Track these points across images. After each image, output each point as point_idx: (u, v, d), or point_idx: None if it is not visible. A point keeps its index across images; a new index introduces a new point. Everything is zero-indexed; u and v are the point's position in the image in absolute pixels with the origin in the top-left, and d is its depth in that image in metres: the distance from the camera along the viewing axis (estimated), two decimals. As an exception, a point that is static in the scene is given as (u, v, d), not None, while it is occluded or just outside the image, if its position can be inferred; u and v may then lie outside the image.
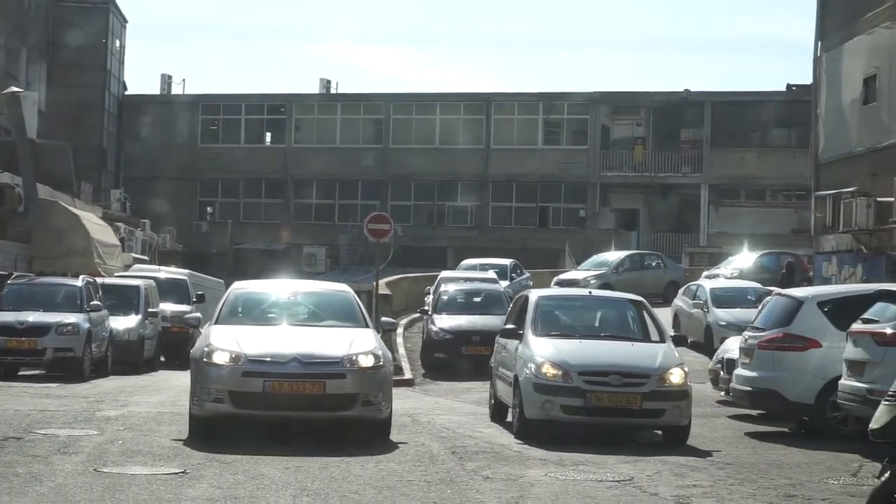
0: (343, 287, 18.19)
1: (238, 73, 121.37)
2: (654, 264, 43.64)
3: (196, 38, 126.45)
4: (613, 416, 15.18)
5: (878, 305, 15.25)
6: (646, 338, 16.50)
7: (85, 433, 14.73)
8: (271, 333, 15.46)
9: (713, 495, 11.32)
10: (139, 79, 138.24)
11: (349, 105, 65.17)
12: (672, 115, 61.65)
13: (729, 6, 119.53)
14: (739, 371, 17.40)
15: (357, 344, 14.91)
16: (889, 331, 14.54)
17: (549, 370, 15.17)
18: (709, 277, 39.23)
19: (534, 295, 17.25)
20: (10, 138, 35.17)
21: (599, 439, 15.07)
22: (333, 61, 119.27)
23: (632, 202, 62.39)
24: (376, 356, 14.73)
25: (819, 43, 34.63)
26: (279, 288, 17.82)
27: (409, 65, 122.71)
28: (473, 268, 38.40)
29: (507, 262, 40.42)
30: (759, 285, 31.73)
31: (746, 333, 17.70)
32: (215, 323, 15.75)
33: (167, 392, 21.15)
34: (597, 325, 17.10)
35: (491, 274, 34.17)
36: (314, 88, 66.80)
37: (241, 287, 17.11)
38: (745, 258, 43.12)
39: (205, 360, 14.54)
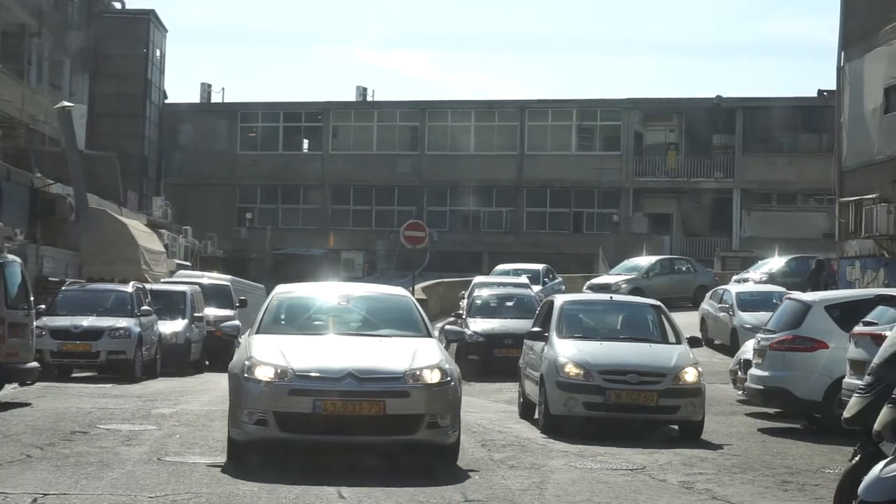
0: (400, 291, 16.40)
1: (273, 79, 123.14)
2: (684, 269, 44.91)
3: (233, 45, 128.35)
4: (631, 412, 16.47)
5: (879, 309, 16.45)
6: (663, 340, 17.77)
7: (144, 428, 16.11)
8: (321, 344, 13.72)
9: (715, 481, 12.59)
10: (179, 87, 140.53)
11: (385, 112, 66.73)
12: (704, 121, 62.87)
13: (759, 12, 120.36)
14: (753, 371, 18.63)
15: (421, 356, 13.12)
16: (886, 332, 15.76)
17: (571, 369, 16.46)
18: (738, 281, 40.41)
19: (559, 300, 18.58)
20: (59, 149, 36.69)
21: (619, 434, 16.33)
22: (365, 66, 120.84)
23: (665, 207, 63.62)
24: (443, 370, 12.92)
25: (842, 53, 35.80)
26: (328, 292, 15.86)
27: (439, 67, 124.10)
28: (507, 273, 39.74)
29: (539, 267, 41.77)
30: (783, 289, 32.82)
31: (759, 335, 18.95)
32: (257, 332, 14.05)
33: (215, 392, 22.52)
34: (617, 327, 18.38)
35: (523, 279, 35.47)
36: (350, 96, 68.46)
37: (285, 291, 15.34)
38: (774, 262, 44.25)
39: (245, 375, 12.83)
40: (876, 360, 10.04)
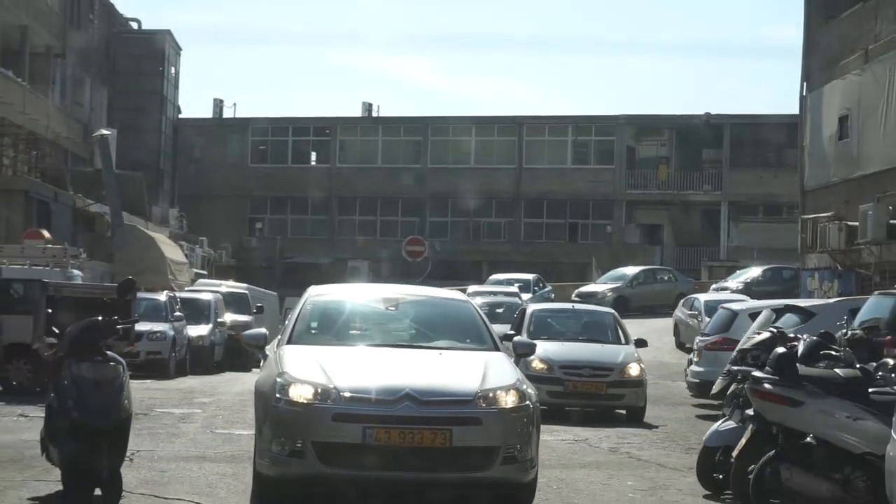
0: (459, 295, 14.44)
1: (281, 90, 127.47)
2: (665, 278, 49.16)
3: (242, 58, 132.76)
4: (586, 399, 20.72)
5: (787, 316, 20.66)
6: (615, 341, 22.02)
7: (192, 411, 20.33)
8: (369, 358, 11.62)
9: (637, 447, 16.82)
10: (192, 102, 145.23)
11: (390, 127, 70.97)
12: (694, 136, 66.81)
13: (750, 23, 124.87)
14: (692, 367, 22.89)
15: (492, 375, 11.15)
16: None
17: (537, 364, 20.62)
18: (717, 290, 44.53)
19: (530, 308, 22.88)
20: (90, 169, 40.92)
21: (580, 418, 20.54)
22: (369, 73, 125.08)
23: (656, 218, 67.73)
24: (520, 392, 10.98)
25: (804, 84, 40.00)
26: (371, 294, 13.80)
27: (441, 72, 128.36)
28: (500, 282, 43.95)
29: (530, 276, 46.02)
30: (747, 298, 36.99)
31: (698, 338, 23.22)
32: (288, 342, 11.95)
33: (242, 385, 26.69)
34: (578, 330, 22.62)
35: (514, 288, 39.67)
36: (356, 109, 72.74)
37: (321, 293, 13.13)
38: (752, 272, 48.33)
39: (278, 395, 10.74)
40: (734, 354, 14.25)
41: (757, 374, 10.95)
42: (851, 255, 35.19)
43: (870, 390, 10.21)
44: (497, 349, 12.08)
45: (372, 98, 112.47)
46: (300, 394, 10.68)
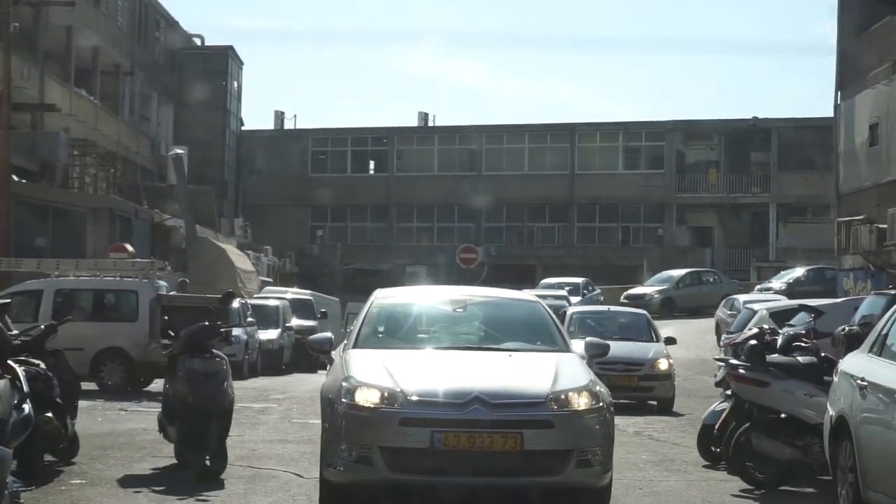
0: (528, 296, 14.46)
1: (338, 100, 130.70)
2: (711, 280, 51.63)
3: (300, 69, 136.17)
4: (619, 392, 23.25)
5: (800, 315, 23.19)
6: (648, 339, 24.65)
7: (268, 406, 23.15)
8: (436, 361, 11.53)
9: (658, 430, 19.46)
10: (252, 113, 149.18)
11: (445, 136, 73.80)
12: (742, 140, 69.12)
13: (795, 32, 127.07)
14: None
15: (564, 376, 11.06)
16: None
17: (575, 361, 23.25)
18: (761, 290, 46.95)
19: (570, 310, 25.53)
20: (163, 184, 43.96)
21: (615, 408, 23.12)
22: (423, 80, 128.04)
23: (706, 221, 70.12)
24: (593, 394, 10.95)
25: (838, 93, 42.37)
26: (438, 296, 13.67)
27: (493, 75, 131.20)
28: (551, 286, 46.58)
29: (579, 280, 48.66)
30: (784, 298, 39.45)
31: (724, 335, 25.79)
32: (354, 346, 11.95)
33: (310, 384, 29.40)
34: (614, 330, 25.22)
35: (562, 291, 42.30)
36: (412, 117, 75.57)
37: (386, 296, 13.14)
38: (795, 273, 50.66)
39: (344, 399, 10.73)
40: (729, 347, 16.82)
41: (733, 361, 13.63)
42: (882, 255, 37.54)
43: (825, 377, 12.79)
44: (568, 350, 12.05)
45: (426, 100, 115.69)
46: (366, 398, 10.59)
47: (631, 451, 16.52)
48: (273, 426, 19.34)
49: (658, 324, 41.92)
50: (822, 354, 13.51)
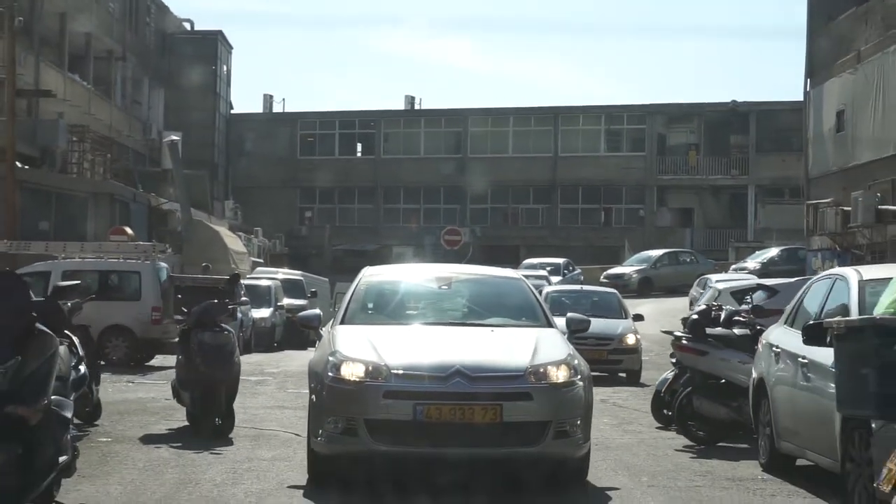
0: (511, 273, 14.99)
1: (326, 80, 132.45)
2: (687, 260, 53.65)
3: (288, 51, 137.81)
4: (591, 364, 25.18)
5: (758, 293, 25.16)
6: (617, 316, 26.61)
7: (264, 378, 25.06)
8: (421, 336, 12.00)
9: (623, 399, 21.43)
10: (241, 96, 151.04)
11: (432, 119, 75.72)
12: (721, 123, 71.16)
13: (769, 26, 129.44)
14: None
15: (543, 350, 11.48)
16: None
17: (549, 336, 25.18)
18: (736, 270, 48.93)
19: (547, 289, 27.47)
20: (157, 169, 45.80)
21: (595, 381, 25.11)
22: (409, 59, 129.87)
23: (686, 202, 72.16)
24: (571, 367, 11.41)
25: (808, 81, 44.34)
26: (424, 274, 14.23)
27: (482, 54, 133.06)
28: (533, 266, 48.53)
29: (560, 260, 50.64)
30: (754, 277, 41.44)
31: (690, 311, 27.70)
32: (341, 322, 12.36)
33: (302, 360, 30.86)
34: (587, 307, 27.14)
35: (542, 272, 44.25)
36: (399, 100, 77.46)
37: (374, 274, 13.54)
38: (770, 252, 52.67)
39: (330, 374, 11.16)
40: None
41: (677, 333, 15.61)
42: (847, 237, 39.57)
43: (755, 346, 14.75)
44: (550, 325, 12.52)
45: (413, 81, 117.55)
46: (352, 372, 10.99)
47: (594, 417, 18.43)
48: (270, 395, 21.28)
49: (636, 302, 44.33)
50: (758, 328, 15.46)
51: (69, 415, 9.42)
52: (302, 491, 11.25)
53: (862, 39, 39.44)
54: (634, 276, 49.89)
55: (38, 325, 8.78)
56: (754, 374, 13.38)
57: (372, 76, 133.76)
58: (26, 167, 36.61)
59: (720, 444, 15.12)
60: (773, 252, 52.18)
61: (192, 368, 15.40)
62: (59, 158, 41.07)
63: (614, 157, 71.95)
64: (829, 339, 9.48)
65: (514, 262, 59.45)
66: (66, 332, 11.80)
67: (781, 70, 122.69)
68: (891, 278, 9.58)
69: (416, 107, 77.44)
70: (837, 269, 12.90)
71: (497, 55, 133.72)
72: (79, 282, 17.91)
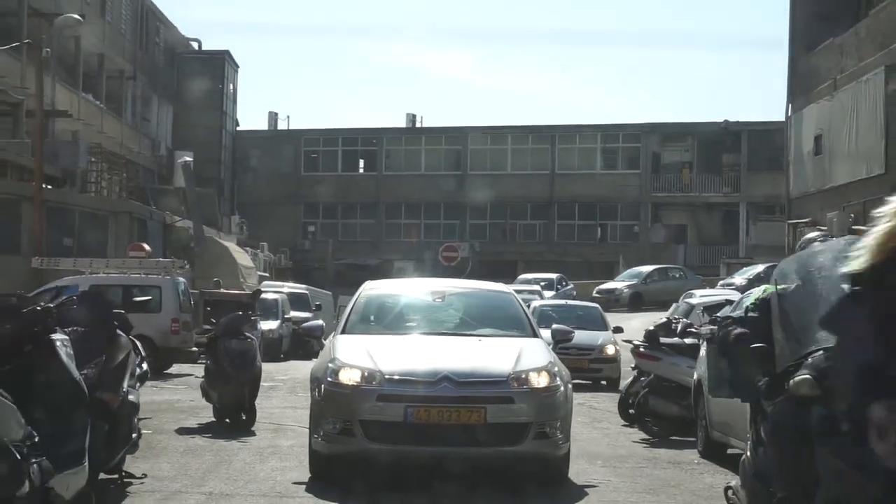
0: (502, 287, 16.23)
1: (328, 95, 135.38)
2: (676, 276, 56.33)
3: (293, 69, 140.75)
4: (573, 372, 27.86)
5: (726, 308, 27.83)
6: (599, 328, 29.30)
7: (275, 384, 27.71)
8: (413, 345, 13.13)
9: (599, 402, 24.10)
10: (247, 113, 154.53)
11: (432, 137, 78.57)
12: (714, 142, 73.93)
13: (761, 48, 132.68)
14: (661, 349, 30.17)
15: (526, 358, 12.58)
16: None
17: (536, 347, 27.85)
18: (723, 286, 51.56)
19: (535, 303, 30.17)
20: (170, 187, 48.53)
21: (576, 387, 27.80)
22: (412, 71, 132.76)
23: (680, 219, 74.95)
24: (551, 373, 12.50)
25: (789, 106, 47.11)
26: (421, 288, 15.55)
27: (481, 68, 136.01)
28: (527, 281, 51.24)
29: (554, 276, 53.39)
30: (734, 294, 44.08)
31: (666, 326, 30.39)
32: (342, 332, 13.56)
33: (307, 370, 34.01)
34: (571, 320, 29.79)
35: (535, 287, 46.96)
36: (400, 118, 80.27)
37: (373, 288, 14.79)
38: (756, 268, 55.25)
39: (329, 378, 12.31)
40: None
41: (636, 342, 18.33)
42: (823, 255, 42.24)
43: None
44: (536, 336, 13.55)
45: (415, 97, 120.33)
46: (349, 377, 12.09)
47: (570, 416, 21.14)
48: (283, 398, 23.97)
49: (627, 315, 46.97)
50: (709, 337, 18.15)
51: (137, 401, 12.15)
52: (305, 486, 12.66)
53: (838, 69, 42.15)
54: (626, 290, 52.62)
55: (118, 331, 11.51)
56: (695, 376, 16.08)
57: (375, 93, 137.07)
58: (49, 187, 39.33)
59: (672, 437, 17.78)
60: (760, 268, 54.49)
61: (219, 371, 18.11)
62: (78, 178, 43.85)
63: (610, 174, 74.73)
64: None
65: (512, 277, 62.20)
66: (130, 336, 14.52)
67: (772, 91, 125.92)
68: None
69: (418, 124, 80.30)
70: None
71: (496, 70, 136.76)
72: (150, 297, 20.54)
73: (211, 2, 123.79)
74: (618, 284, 54.63)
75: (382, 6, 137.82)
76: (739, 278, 53.36)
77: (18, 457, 8.45)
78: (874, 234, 4.96)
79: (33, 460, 8.70)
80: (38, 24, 46.26)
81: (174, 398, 23.16)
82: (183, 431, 17.59)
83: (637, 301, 52.96)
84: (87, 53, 55.65)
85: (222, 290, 28.68)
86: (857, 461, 6.97)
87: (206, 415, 19.17)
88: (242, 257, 49.17)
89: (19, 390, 8.94)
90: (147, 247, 36.88)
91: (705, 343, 16.15)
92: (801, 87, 46.14)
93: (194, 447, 15.84)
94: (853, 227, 39.91)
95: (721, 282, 53.73)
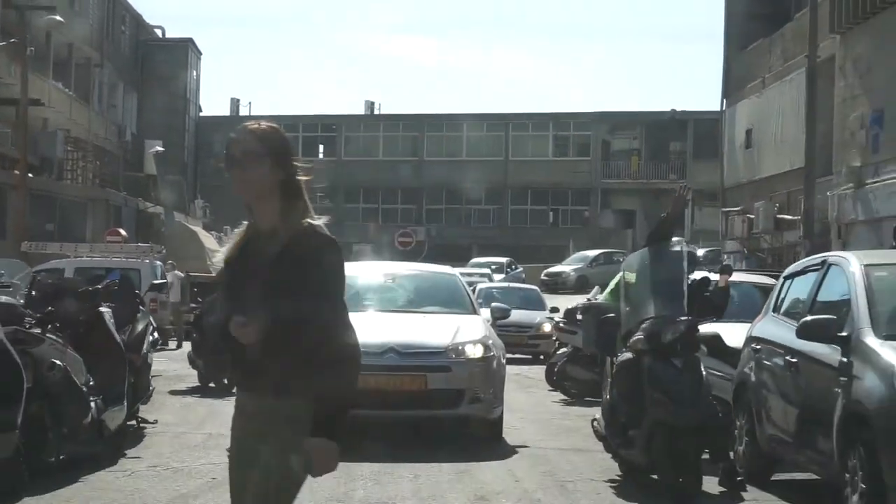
0: (447, 269, 17.96)
1: (291, 82, 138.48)
2: (621, 259, 59.70)
3: (255, 55, 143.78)
4: (514, 348, 31.53)
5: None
6: (538, 308, 32.92)
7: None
8: (365, 321, 13.85)
9: (533, 374, 27.70)
10: (210, 100, 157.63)
11: (390, 124, 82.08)
12: (661, 130, 77.77)
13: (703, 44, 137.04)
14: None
15: (464, 332, 14.19)
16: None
17: (480, 324, 31.40)
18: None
19: (480, 286, 33.79)
20: (141, 174, 51.82)
21: (513, 361, 31.45)
22: (371, 56, 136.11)
23: (629, 205, 78.71)
24: (486, 346, 14.11)
25: (724, 101, 50.89)
26: (374, 271, 17.23)
27: (441, 51, 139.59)
28: (479, 265, 54.80)
29: (504, 259, 56.99)
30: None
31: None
32: None
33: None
34: (515, 300, 33.34)
35: (486, 270, 50.54)
36: (359, 104, 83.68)
37: None
38: (697, 253, 59.06)
39: None
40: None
41: (556, 318, 21.94)
42: (752, 241, 46.09)
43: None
44: (475, 313, 15.33)
45: (374, 81, 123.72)
46: None
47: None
48: (255, 369, 27.51)
49: (573, 297, 50.32)
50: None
51: (151, 362, 15.71)
52: None
53: (766, 68, 45.91)
54: (572, 274, 56.25)
55: (140, 307, 15.08)
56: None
57: (334, 77, 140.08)
58: (31, 175, 42.61)
59: (587, 399, 21.38)
60: (701, 252, 58.34)
61: (204, 342, 21.62)
62: (56, 166, 47.09)
63: (562, 161, 78.43)
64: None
65: (466, 260, 65.69)
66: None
67: (715, 83, 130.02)
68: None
69: (376, 111, 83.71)
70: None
71: (454, 54, 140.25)
72: (167, 281, 23.95)
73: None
74: (565, 268, 58.29)
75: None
76: (680, 262, 57.19)
77: (87, 393, 12.05)
78: None
79: (92, 398, 12.30)
80: (9, 14, 49.24)
81: (158, 368, 26.53)
82: (175, 393, 21.10)
83: (583, 284, 56.52)
84: (57, 43, 58.49)
85: (205, 274, 31.95)
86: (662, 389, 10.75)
87: (192, 381, 22.63)
88: (210, 241, 52.39)
89: (80, 348, 12.55)
90: (123, 232, 40.17)
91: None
92: (734, 83, 49.89)
93: (188, 403, 19.38)
94: (778, 215, 43.78)
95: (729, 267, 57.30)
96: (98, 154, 53.48)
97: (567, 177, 77.72)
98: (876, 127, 31.54)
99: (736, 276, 17.65)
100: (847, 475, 9.63)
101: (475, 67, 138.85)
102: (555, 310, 32.88)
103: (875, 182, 31.85)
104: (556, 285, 53.92)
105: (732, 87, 50.15)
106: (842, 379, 9.88)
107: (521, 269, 57.77)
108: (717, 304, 12.74)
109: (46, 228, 42.62)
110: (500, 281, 48.59)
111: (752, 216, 45.44)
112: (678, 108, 77.19)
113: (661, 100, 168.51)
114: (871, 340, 9.78)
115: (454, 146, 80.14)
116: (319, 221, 5.57)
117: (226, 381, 21.50)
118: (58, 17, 41.12)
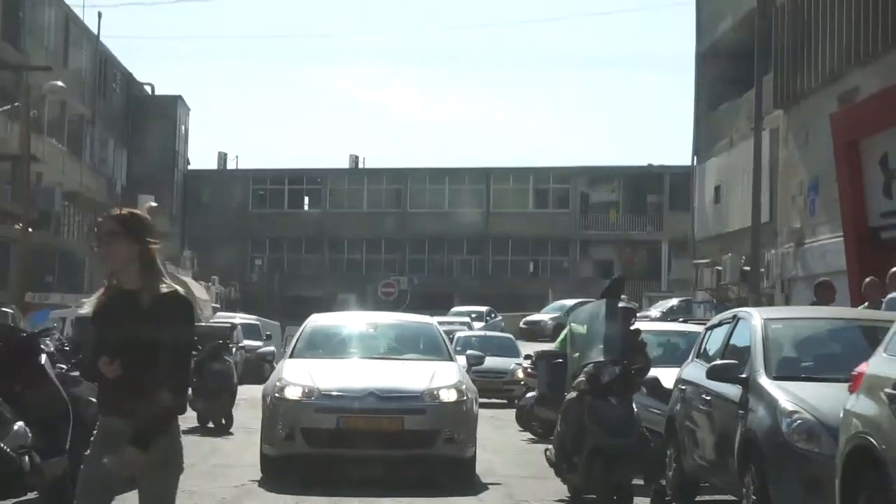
0: (425, 319, 18.91)
1: (277, 134, 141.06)
2: (592, 310, 62.20)
3: (241, 107, 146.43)
4: (490, 393, 33.73)
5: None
6: (512, 355, 35.13)
7: (238, 401, 33.36)
8: (347, 367, 15.72)
9: (505, 415, 29.88)
10: (197, 152, 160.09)
11: (374, 177, 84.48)
12: (639, 183, 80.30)
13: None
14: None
15: (439, 377, 15.17)
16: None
17: (458, 371, 33.56)
18: (642, 318, 57.49)
19: (458, 334, 36.05)
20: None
21: (489, 405, 33.68)
22: (356, 105, 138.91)
23: (607, 255, 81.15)
24: (459, 390, 15.10)
25: (695, 157, 53.40)
26: (358, 320, 18.68)
27: (423, 98, 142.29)
28: (460, 314, 56.97)
29: (483, 308, 59.21)
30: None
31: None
32: (290, 357, 16.32)
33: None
34: (491, 348, 35.55)
35: (465, 318, 52.70)
36: (344, 158, 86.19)
37: (317, 319, 17.57)
38: (671, 302, 61.14)
39: (276, 395, 15.07)
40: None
41: (524, 363, 24.19)
42: (720, 291, 48.44)
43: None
44: (451, 359, 16.37)
45: (358, 133, 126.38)
46: (292, 393, 14.97)
47: (479, 425, 26.96)
48: (246, 411, 29.48)
49: (550, 345, 52.38)
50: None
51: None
52: (258, 482, 15.43)
53: (734, 128, 48.39)
54: (549, 322, 58.34)
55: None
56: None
57: (320, 130, 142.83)
58: (30, 230, 44.82)
59: (551, 437, 23.53)
60: (674, 302, 60.60)
61: (204, 387, 23.84)
62: (54, 221, 49.27)
63: (541, 213, 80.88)
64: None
65: (447, 309, 67.76)
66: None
67: (690, 138, 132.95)
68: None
69: (360, 165, 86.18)
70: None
71: (438, 106, 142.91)
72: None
73: (163, 48, 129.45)
74: (543, 316, 60.43)
75: (325, 44, 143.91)
76: (655, 310, 59.17)
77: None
78: None
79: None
80: (5, 76, 51.54)
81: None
82: (177, 432, 23.25)
83: (560, 331, 58.67)
84: (51, 101, 60.64)
85: (204, 324, 34.10)
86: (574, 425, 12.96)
87: (191, 422, 24.79)
88: (200, 291, 54.55)
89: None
90: (120, 283, 42.20)
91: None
92: (704, 141, 52.36)
93: (189, 442, 21.47)
94: (743, 267, 46.13)
95: (637, 314, 59.52)
96: (93, 207, 55.60)
97: (547, 228, 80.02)
98: (812, 193, 34.27)
99: (687, 327, 19.90)
100: (744, 490, 11.72)
101: (456, 119, 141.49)
102: (528, 357, 35.12)
103: (812, 242, 34.47)
104: (535, 333, 56.00)
105: (703, 144, 52.62)
106: (741, 412, 12.03)
107: (500, 317, 59.94)
108: (638, 349, 15.03)
109: (46, 280, 44.78)
110: (479, 329, 50.69)
111: (720, 268, 47.78)
112: (655, 163, 79.89)
113: (639, 153, 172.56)
114: (764, 380, 11.96)
115: (437, 198, 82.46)
116: (175, 286, 7.53)
117: (223, 422, 23.71)
118: (59, 83, 43.27)
